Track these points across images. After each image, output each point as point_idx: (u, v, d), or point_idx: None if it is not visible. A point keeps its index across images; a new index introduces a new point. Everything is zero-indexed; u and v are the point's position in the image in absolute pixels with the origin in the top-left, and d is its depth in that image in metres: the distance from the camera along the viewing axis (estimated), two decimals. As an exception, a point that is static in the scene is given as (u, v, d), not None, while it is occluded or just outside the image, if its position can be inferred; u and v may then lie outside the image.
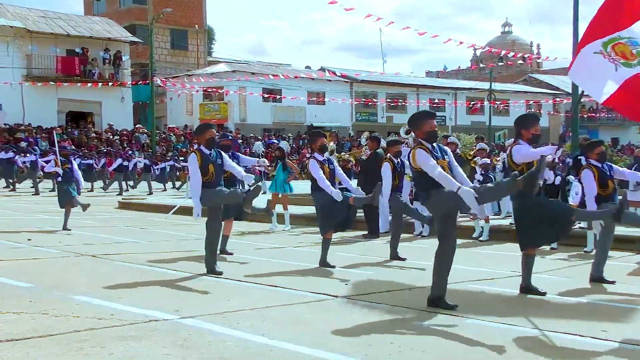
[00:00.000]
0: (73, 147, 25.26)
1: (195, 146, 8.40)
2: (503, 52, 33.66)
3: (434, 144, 6.28)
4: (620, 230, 11.97)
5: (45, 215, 15.71)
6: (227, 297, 6.48)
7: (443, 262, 6.18)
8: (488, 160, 12.93)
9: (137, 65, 46.82)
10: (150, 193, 24.70)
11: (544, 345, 4.99)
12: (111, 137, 38.14)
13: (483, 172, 12.49)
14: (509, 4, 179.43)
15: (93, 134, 37.91)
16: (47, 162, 25.34)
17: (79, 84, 37.64)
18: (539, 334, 5.26)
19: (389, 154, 9.99)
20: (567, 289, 7.40)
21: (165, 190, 27.01)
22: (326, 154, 14.73)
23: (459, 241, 11.23)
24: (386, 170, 9.58)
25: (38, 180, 24.20)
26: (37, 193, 23.03)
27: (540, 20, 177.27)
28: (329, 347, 4.76)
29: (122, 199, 21.04)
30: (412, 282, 7.59)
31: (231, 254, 9.66)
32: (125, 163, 26.23)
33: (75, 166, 13.28)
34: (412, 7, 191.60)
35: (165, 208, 18.38)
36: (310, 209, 16.19)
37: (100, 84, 38.56)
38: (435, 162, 6.04)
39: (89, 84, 38.10)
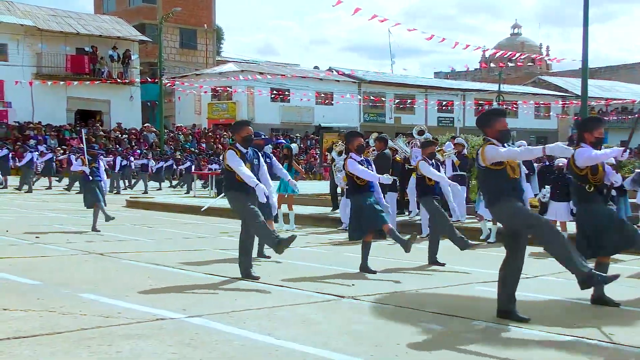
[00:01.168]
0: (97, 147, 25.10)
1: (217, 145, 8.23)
2: (510, 53, 33.56)
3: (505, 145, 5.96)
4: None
5: (53, 213, 15.77)
6: (233, 297, 6.49)
7: (503, 277, 5.90)
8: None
9: (146, 64, 46.99)
10: (145, 192, 24.68)
11: (552, 348, 4.97)
12: (119, 135, 38.27)
13: None
14: (518, 5, 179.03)
15: (101, 133, 38.05)
16: (50, 160, 25.49)
17: (87, 83, 37.80)
18: (546, 337, 5.24)
19: (423, 155, 9.65)
20: (577, 290, 7.37)
21: (160, 189, 26.92)
22: (334, 154, 14.77)
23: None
24: (427, 167, 9.25)
25: (36, 178, 24.12)
26: (29, 191, 23.04)
27: (550, 22, 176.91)
28: (335, 347, 4.76)
29: (130, 197, 21.09)
30: (418, 284, 7.58)
31: (268, 257, 9.35)
32: (124, 162, 26.34)
33: (102, 166, 13.09)
34: (420, 8, 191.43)
35: (173, 207, 18.45)
36: (317, 210, 16.24)
37: (109, 83, 38.69)
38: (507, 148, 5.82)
39: (98, 83, 38.25)
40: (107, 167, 26.22)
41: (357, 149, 8.43)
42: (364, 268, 8.22)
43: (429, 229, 9.65)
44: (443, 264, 8.92)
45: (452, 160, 13.35)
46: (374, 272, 8.11)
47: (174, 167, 29.56)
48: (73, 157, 24.65)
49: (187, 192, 24.99)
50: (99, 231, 12.00)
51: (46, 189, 24.40)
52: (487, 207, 6.15)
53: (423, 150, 9.71)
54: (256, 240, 7.98)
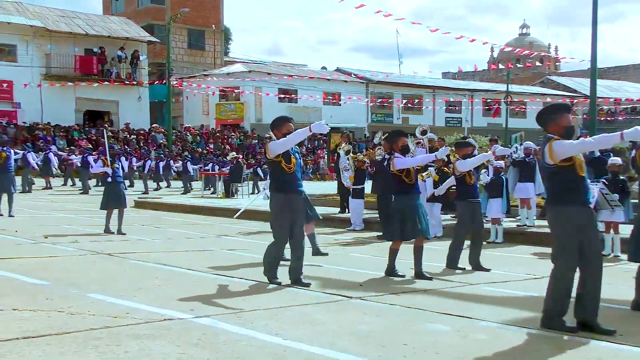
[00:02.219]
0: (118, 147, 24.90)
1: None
2: (517, 49, 33.48)
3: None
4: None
5: (62, 213, 15.83)
6: (241, 297, 6.50)
7: (550, 286, 5.52)
8: (502, 163, 12.80)
9: (154, 65, 47.10)
10: (146, 192, 24.64)
11: (560, 348, 4.96)
12: (128, 136, 38.39)
13: (495, 173, 12.27)
14: (526, 6, 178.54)
15: (110, 133, 38.16)
16: (48, 159, 25.51)
17: (96, 83, 37.93)
18: (553, 337, 5.23)
19: (456, 155, 9.34)
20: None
21: (158, 189, 26.83)
22: (341, 152, 14.75)
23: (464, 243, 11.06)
24: (463, 163, 8.91)
25: (30, 178, 24.04)
26: (29, 191, 23.07)
27: (559, 22, 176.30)
28: (343, 347, 4.76)
29: (138, 198, 21.14)
30: (425, 284, 7.58)
31: (326, 254, 9.39)
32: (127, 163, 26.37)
33: (122, 167, 12.83)
34: (428, 9, 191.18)
35: (180, 208, 18.49)
36: (324, 210, 16.23)
37: (117, 83, 38.81)
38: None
39: (106, 83, 38.37)
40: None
41: (402, 149, 8.10)
42: (390, 272, 8.00)
43: (453, 234, 9.25)
44: (488, 270, 8.60)
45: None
46: (403, 276, 7.89)
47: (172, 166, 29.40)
48: (91, 159, 24.77)
49: (185, 193, 25.00)
50: (125, 234, 11.85)
51: (43, 189, 24.38)
52: (547, 206, 5.76)
53: (458, 151, 9.30)
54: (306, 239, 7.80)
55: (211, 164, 29.26)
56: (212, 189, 25.20)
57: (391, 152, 8.33)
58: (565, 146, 5.40)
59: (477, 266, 8.76)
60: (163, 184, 27.77)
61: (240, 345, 4.76)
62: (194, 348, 4.64)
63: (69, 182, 27.09)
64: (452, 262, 8.85)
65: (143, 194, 24.00)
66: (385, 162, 8.86)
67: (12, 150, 15.36)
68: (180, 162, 28.28)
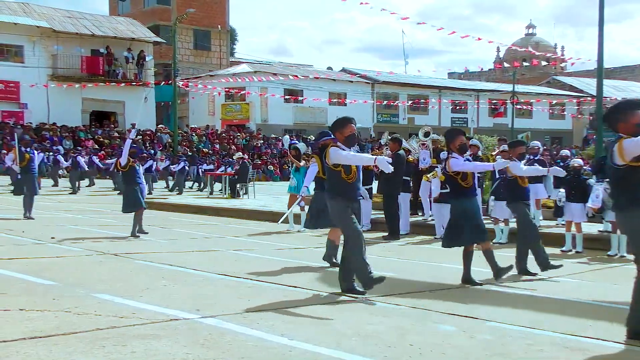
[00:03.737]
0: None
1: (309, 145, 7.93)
2: (523, 49, 33.37)
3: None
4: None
5: (69, 214, 15.87)
6: (247, 297, 6.51)
7: (636, 296, 5.27)
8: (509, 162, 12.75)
9: (160, 66, 47.20)
10: (149, 193, 24.47)
11: (565, 349, 4.95)
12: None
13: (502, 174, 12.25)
14: (533, 5, 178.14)
15: (116, 134, 38.25)
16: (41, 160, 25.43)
17: (102, 84, 38.02)
18: (559, 338, 5.22)
19: (511, 155, 8.88)
20: (590, 292, 7.34)
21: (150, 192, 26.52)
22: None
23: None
24: (518, 166, 8.60)
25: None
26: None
27: (565, 22, 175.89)
28: (349, 348, 4.76)
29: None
30: (432, 285, 7.57)
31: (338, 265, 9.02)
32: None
33: (140, 168, 12.53)
34: (435, 8, 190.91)
35: (185, 208, 18.53)
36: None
37: (123, 84, 38.90)
38: None
39: (113, 84, 38.47)
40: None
41: (460, 148, 7.71)
42: (467, 280, 7.62)
43: (518, 238, 8.75)
44: (535, 274, 8.29)
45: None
46: (480, 284, 7.56)
47: (170, 168, 29.35)
48: (96, 159, 24.92)
49: (179, 193, 25.03)
50: (147, 232, 11.85)
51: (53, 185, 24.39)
52: (617, 211, 5.50)
53: (512, 151, 8.90)
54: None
55: (205, 164, 29.17)
56: (206, 188, 25.34)
57: (448, 152, 7.90)
58: (638, 143, 5.14)
59: (545, 266, 8.34)
60: (159, 184, 27.94)
61: (246, 346, 4.76)
62: (200, 348, 4.65)
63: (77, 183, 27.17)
64: (523, 269, 8.39)
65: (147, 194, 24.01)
66: (443, 162, 8.38)
67: (35, 152, 15.31)
68: (182, 164, 28.27)
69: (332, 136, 7.10)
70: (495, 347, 4.94)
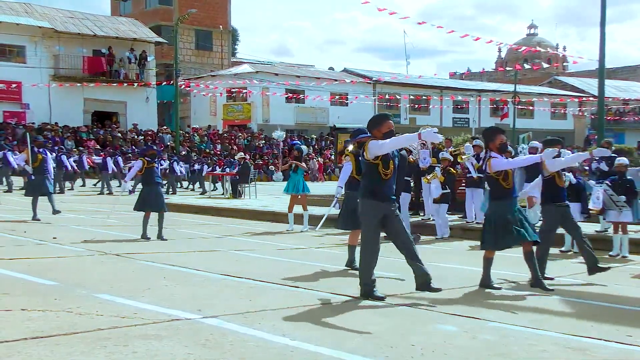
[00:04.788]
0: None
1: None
2: (524, 48, 33.35)
3: None
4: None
5: (71, 214, 15.87)
6: (248, 297, 6.51)
7: None
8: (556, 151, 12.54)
9: (161, 66, 47.23)
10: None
11: (567, 349, 4.94)
12: (136, 137, 38.49)
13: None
14: (535, 5, 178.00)
15: (118, 134, 38.28)
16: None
17: (104, 84, 38.04)
18: (561, 338, 5.21)
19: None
20: (590, 292, 7.34)
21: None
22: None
23: (471, 244, 11.12)
24: (553, 162, 8.04)
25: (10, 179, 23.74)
26: (9, 190, 23.01)
27: (568, 22, 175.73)
28: (350, 348, 4.76)
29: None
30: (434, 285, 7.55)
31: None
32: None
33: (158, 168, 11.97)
34: (437, 8, 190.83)
35: (187, 208, 18.53)
36: (327, 210, 16.19)
37: (125, 84, 38.93)
38: None
39: (114, 84, 38.51)
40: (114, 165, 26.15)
41: (500, 148, 7.39)
42: (485, 283, 7.36)
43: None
44: (552, 278, 7.94)
45: (472, 163, 12.98)
46: (499, 288, 7.30)
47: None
48: (111, 161, 24.91)
49: (173, 193, 25.00)
50: (149, 238, 11.31)
51: (21, 189, 24.31)
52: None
53: (491, 143, 8.56)
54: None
55: (197, 164, 29.10)
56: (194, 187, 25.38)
57: (486, 152, 7.53)
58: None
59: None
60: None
61: (247, 346, 4.77)
62: (202, 348, 4.65)
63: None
64: (539, 273, 7.79)
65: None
66: (481, 162, 8.03)
67: (48, 153, 15.20)
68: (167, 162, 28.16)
69: (369, 134, 6.96)
70: (497, 347, 4.94)
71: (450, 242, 12.23)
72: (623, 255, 10.26)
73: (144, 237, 11.40)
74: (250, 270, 8.16)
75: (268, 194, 23.36)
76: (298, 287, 7.10)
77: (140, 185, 12.87)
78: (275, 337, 4.99)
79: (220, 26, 53.38)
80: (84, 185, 27.33)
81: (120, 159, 27.51)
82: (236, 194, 22.57)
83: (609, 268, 8.08)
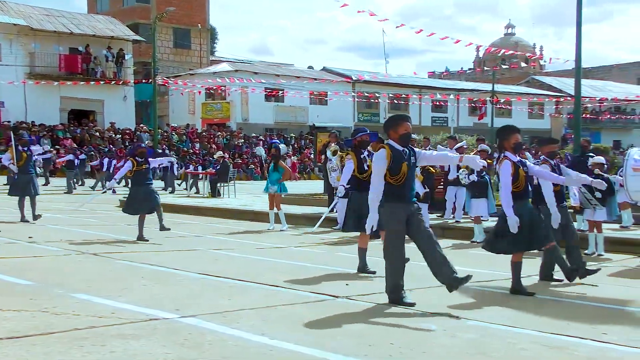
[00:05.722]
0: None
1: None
2: (503, 51, 33.65)
3: None
4: (624, 233, 11.98)
5: (48, 213, 15.70)
6: (227, 297, 6.48)
7: None
8: (484, 162, 12.70)
9: (139, 64, 46.88)
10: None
11: (546, 347, 4.98)
12: (113, 135, 38.18)
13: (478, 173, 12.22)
14: (513, 5, 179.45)
15: (95, 133, 37.94)
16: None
17: (81, 82, 37.68)
18: (540, 336, 5.25)
19: (542, 156, 8.44)
20: (567, 291, 7.40)
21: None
22: (328, 153, 14.71)
23: (455, 242, 11.19)
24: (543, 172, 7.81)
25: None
26: None
27: (544, 22, 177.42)
28: (330, 347, 4.75)
29: (124, 197, 20.96)
30: (413, 284, 7.56)
31: (374, 272, 8.10)
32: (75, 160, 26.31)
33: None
34: (417, 7, 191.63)
35: (167, 207, 18.39)
36: (310, 209, 16.22)
37: (102, 83, 38.59)
38: None
39: (92, 82, 38.16)
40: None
41: (514, 147, 7.14)
42: (518, 290, 7.04)
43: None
44: (560, 280, 7.87)
45: (467, 177, 12.91)
46: (532, 294, 6.98)
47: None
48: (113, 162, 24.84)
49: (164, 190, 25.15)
50: (147, 240, 10.97)
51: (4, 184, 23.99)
52: None
53: (541, 149, 8.53)
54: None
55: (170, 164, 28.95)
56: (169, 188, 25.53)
57: (500, 152, 7.29)
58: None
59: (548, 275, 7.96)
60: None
61: (226, 345, 4.74)
62: (180, 348, 4.62)
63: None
64: (548, 274, 8.01)
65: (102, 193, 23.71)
66: (495, 162, 7.69)
67: (32, 150, 14.70)
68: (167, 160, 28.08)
69: (367, 132, 6.83)
70: (477, 345, 4.96)
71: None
72: (599, 254, 10.35)
73: (141, 239, 11.07)
74: (229, 269, 8.12)
75: (247, 193, 23.29)
76: (278, 286, 7.08)
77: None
78: (254, 337, 4.96)
79: (199, 24, 53.11)
80: (46, 184, 26.68)
81: (114, 161, 27.48)
82: (215, 193, 22.48)
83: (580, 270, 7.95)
